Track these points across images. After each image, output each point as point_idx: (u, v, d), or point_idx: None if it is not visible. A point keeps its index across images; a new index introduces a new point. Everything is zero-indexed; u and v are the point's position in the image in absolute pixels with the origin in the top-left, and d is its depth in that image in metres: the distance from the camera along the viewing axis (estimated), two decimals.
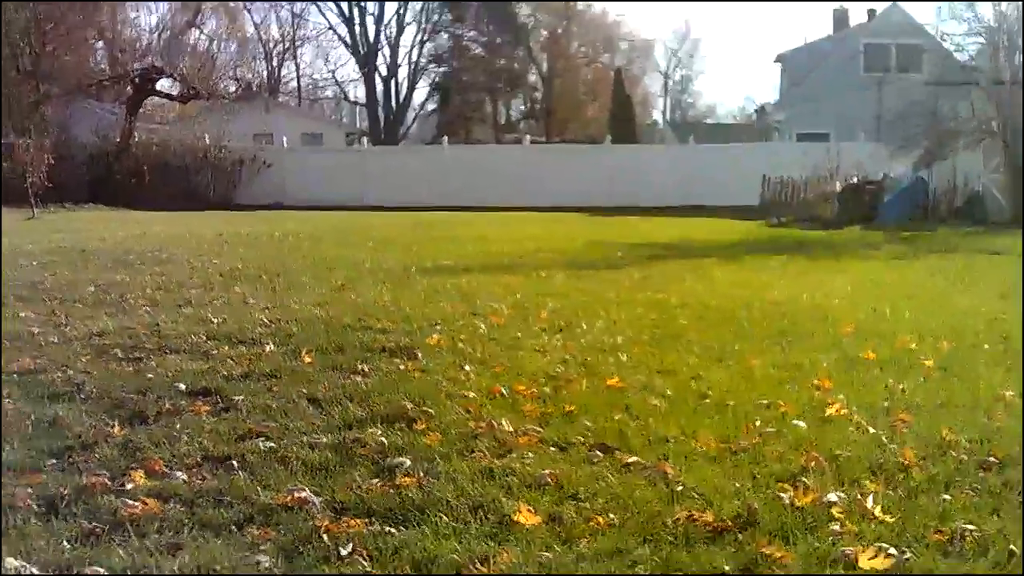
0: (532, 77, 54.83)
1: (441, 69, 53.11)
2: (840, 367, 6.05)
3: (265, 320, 7.35)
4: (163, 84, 33.35)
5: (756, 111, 49.21)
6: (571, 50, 53.20)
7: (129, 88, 32.72)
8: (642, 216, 25.06)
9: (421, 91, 54.89)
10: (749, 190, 27.69)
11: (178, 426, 4.48)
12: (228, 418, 4.72)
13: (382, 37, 52.55)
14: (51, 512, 3.41)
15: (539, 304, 8.52)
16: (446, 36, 52.47)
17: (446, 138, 35.90)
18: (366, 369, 5.76)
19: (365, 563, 3.04)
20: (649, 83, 58.93)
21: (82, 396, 5.03)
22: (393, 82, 53.09)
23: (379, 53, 52.16)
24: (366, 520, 3.38)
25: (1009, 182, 23.16)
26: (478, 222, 21.96)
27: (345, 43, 52.73)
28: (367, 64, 51.52)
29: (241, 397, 5.04)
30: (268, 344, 6.37)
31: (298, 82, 51.14)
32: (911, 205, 23.96)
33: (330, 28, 55.47)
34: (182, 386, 5.27)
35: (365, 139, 41.24)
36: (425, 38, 52.52)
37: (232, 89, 34.80)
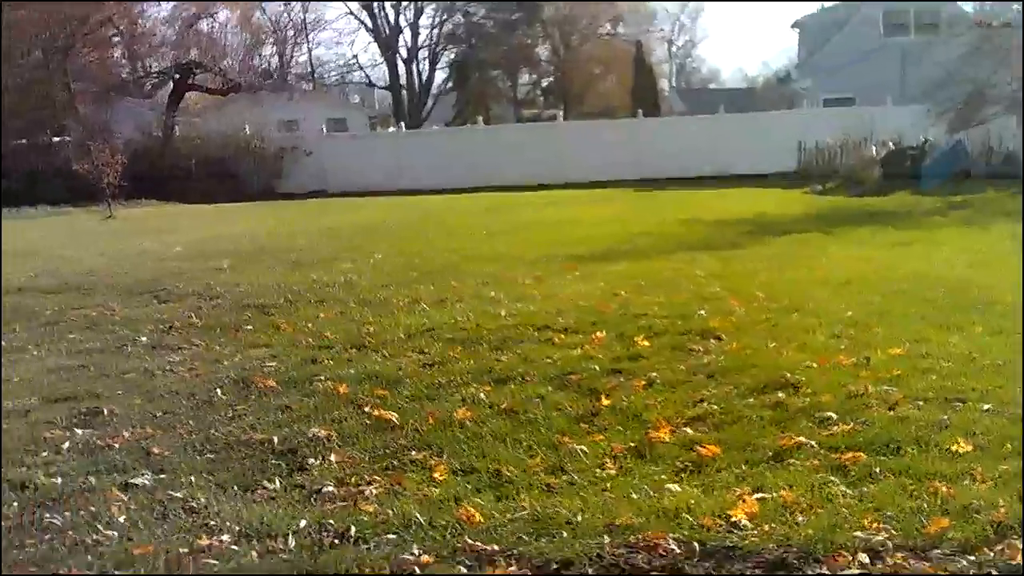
0: (546, 53, 55.20)
1: (457, 48, 53.34)
2: None
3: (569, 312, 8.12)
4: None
5: (779, 78, 49.80)
6: (581, 24, 53.50)
7: (170, 83, 33.09)
8: (685, 189, 25.60)
9: (441, 72, 55.21)
10: (780, 157, 28.29)
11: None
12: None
13: (402, 19, 52.79)
14: None
15: (745, 287, 9.19)
16: (461, 16, 52.68)
17: (480, 119, 36.42)
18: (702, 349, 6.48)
19: None
20: (654, 50, 59.33)
21: None
22: (414, 64, 53.39)
23: (400, 36, 52.38)
24: None
25: None
26: (537, 203, 22.57)
27: (366, 27, 52.97)
28: (389, 47, 51.83)
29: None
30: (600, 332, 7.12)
31: (311, 68, 51.23)
32: (952, 168, 24.48)
33: (350, 13, 55.44)
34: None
35: (402, 123, 41.55)
36: (443, 18, 52.78)
37: (267, 79, 35.14)
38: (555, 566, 3.39)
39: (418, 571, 3.39)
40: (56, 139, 30.13)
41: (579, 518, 3.77)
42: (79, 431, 5.35)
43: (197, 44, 35.68)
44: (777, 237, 14.41)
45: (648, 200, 23.20)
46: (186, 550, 3.66)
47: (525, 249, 13.03)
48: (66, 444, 5.12)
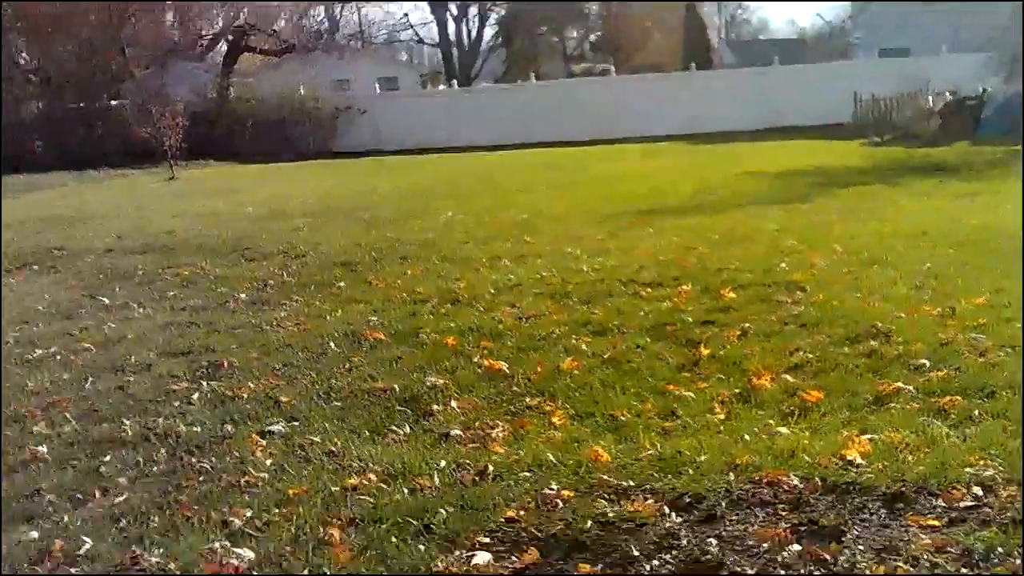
0: (595, 7, 54.86)
1: (507, 5, 53.17)
2: None
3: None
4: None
5: (833, 29, 49.28)
6: None
7: (222, 46, 33.45)
8: (740, 142, 25.50)
9: (490, 29, 55.11)
10: (834, 109, 28.06)
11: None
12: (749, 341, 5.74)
13: None
14: None
15: (821, 240, 9.33)
16: None
17: (532, 75, 36.42)
18: (789, 300, 6.70)
19: None
20: (704, 3, 58.55)
21: None
22: (464, 22, 53.34)
23: None
24: None
25: None
26: (593, 158, 22.66)
27: None
28: (439, 5, 51.81)
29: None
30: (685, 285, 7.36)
31: (360, 27, 51.37)
32: (1011, 119, 24.16)
33: None
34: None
35: (454, 81, 41.67)
36: None
37: (318, 40, 35.41)
38: (688, 500, 3.63)
39: (560, 504, 3.63)
40: (113, 103, 30.59)
41: (701, 458, 3.99)
42: (204, 383, 5.63)
43: (249, 7, 35.97)
44: (842, 189, 14.42)
45: (704, 154, 23.21)
46: (337, 489, 3.93)
47: (591, 205, 13.24)
48: (195, 395, 5.43)
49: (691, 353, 5.67)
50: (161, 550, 3.50)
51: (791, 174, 16.67)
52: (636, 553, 3.16)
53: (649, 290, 7.54)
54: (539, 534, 3.43)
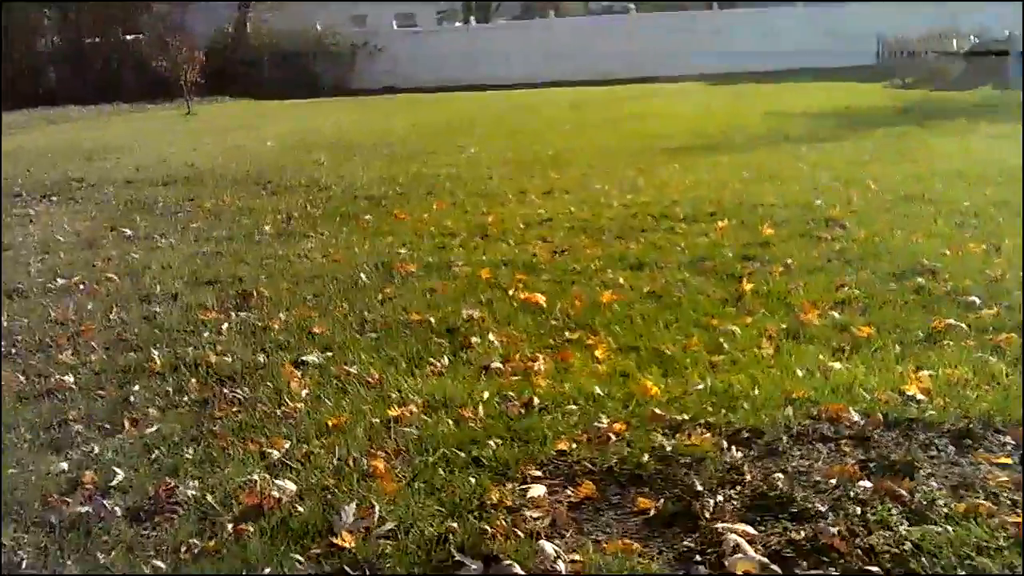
0: None
1: None
2: None
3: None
4: None
5: None
6: None
7: None
8: (762, 82, 25.02)
9: None
10: (857, 51, 27.58)
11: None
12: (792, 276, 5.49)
13: None
14: None
15: (856, 178, 9.12)
16: None
17: (552, 12, 35.90)
18: (830, 236, 6.51)
19: None
20: None
21: None
22: None
23: None
24: None
25: None
26: (617, 97, 22.32)
27: None
28: None
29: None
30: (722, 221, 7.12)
31: None
32: None
33: None
34: None
35: (472, 18, 41.08)
36: None
37: None
38: (746, 435, 3.48)
39: (612, 437, 3.49)
40: (129, 37, 30.28)
41: (755, 392, 3.84)
42: (234, 314, 5.49)
43: None
44: (871, 130, 14.11)
45: (727, 94, 22.78)
46: (378, 420, 3.80)
47: (618, 142, 13.02)
48: (225, 325, 5.30)
49: (734, 288, 5.51)
50: (197, 482, 3.37)
51: (818, 115, 16.38)
52: (699, 487, 3.01)
53: (684, 225, 7.37)
54: (593, 467, 3.30)
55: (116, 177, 11.45)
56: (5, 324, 5.53)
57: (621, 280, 5.78)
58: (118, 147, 15.14)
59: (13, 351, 5.07)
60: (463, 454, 3.42)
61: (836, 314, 4.98)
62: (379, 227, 7.85)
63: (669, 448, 3.34)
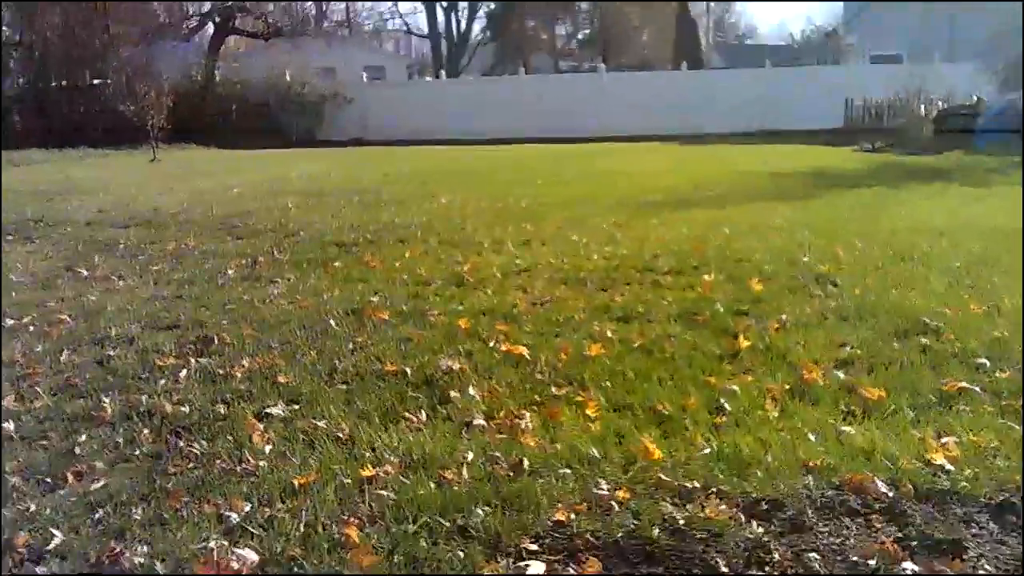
0: (585, 3, 54.34)
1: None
2: None
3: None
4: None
5: (826, 34, 48.95)
6: None
7: (210, 27, 32.74)
8: (731, 144, 24.93)
9: (479, 22, 54.55)
10: (824, 114, 27.78)
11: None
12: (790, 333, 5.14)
13: None
14: None
15: (840, 235, 8.88)
16: None
17: (523, 69, 36.03)
18: (822, 293, 6.21)
19: None
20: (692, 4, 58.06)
21: None
22: (454, 13, 52.74)
23: None
24: None
25: None
26: (586, 154, 22.17)
27: None
28: None
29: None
30: (708, 275, 6.78)
31: (347, 15, 50.65)
32: (1005, 128, 23.92)
33: None
34: None
35: (442, 72, 41.06)
36: None
37: (306, 25, 34.74)
38: (765, 506, 3.12)
39: (616, 506, 3.11)
40: (96, 81, 29.86)
41: (767, 457, 3.48)
42: (194, 360, 5.08)
43: None
44: (845, 190, 13.98)
45: (698, 153, 22.76)
46: (350, 480, 3.40)
47: (591, 195, 12.79)
48: (183, 372, 4.89)
49: (728, 344, 5.17)
50: (146, 547, 2.95)
51: (788, 175, 16.28)
52: (724, 568, 2.63)
53: (669, 278, 7.06)
54: (597, 541, 2.92)
55: (76, 218, 11.02)
56: None
57: (608, 332, 5.44)
58: (81, 189, 14.72)
59: None
60: (447, 522, 3.02)
61: (841, 374, 4.65)
62: (349, 273, 7.47)
63: (681, 520, 2.97)
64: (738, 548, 2.82)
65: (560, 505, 3.16)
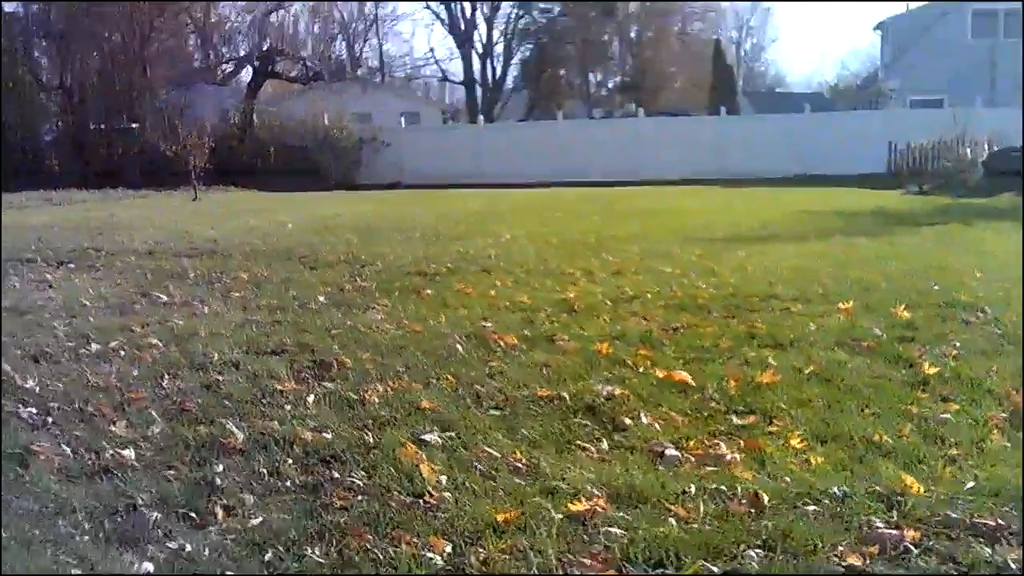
0: (620, 50, 54.21)
1: (532, 44, 52.49)
2: None
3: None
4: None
5: (864, 79, 48.59)
6: (656, 21, 52.52)
7: (246, 71, 32.66)
8: (774, 187, 24.36)
9: (515, 68, 54.51)
10: (862, 159, 27.26)
11: None
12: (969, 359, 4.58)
13: (478, 14, 52.11)
14: None
15: (951, 265, 8.33)
16: (537, 11, 51.89)
17: (560, 113, 35.73)
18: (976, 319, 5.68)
19: None
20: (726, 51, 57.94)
21: None
22: (489, 60, 52.73)
23: (476, 31, 51.80)
24: None
25: None
26: (630, 196, 21.48)
27: (441, 20, 52.46)
28: (464, 42, 51.20)
29: None
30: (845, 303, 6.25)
31: (381, 62, 50.64)
32: None
33: (427, 7, 55.13)
34: None
35: (480, 117, 40.82)
36: (519, 13, 52.01)
37: (343, 71, 34.62)
38: None
39: (914, 549, 2.55)
40: (135, 124, 29.71)
41: None
42: (316, 384, 4.56)
43: (274, 34, 35.06)
44: (916, 227, 13.41)
45: (744, 195, 22.15)
46: (560, 516, 2.85)
47: (656, 232, 12.22)
48: (310, 397, 4.35)
49: (909, 371, 4.60)
50: None
51: (851, 214, 15.66)
52: None
53: (798, 305, 6.51)
54: None
55: (135, 248, 10.59)
56: (37, 389, 4.55)
57: (771, 359, 4.86)
58: (128, 225, 14.29)
59: (49, 420, 4.09)
60: (713, 567, 2.46)
61: None
62: (444, 300, 6.95)
63: (1013, 564, 2.39)
64: None
65: (842, 544, 2.59)
